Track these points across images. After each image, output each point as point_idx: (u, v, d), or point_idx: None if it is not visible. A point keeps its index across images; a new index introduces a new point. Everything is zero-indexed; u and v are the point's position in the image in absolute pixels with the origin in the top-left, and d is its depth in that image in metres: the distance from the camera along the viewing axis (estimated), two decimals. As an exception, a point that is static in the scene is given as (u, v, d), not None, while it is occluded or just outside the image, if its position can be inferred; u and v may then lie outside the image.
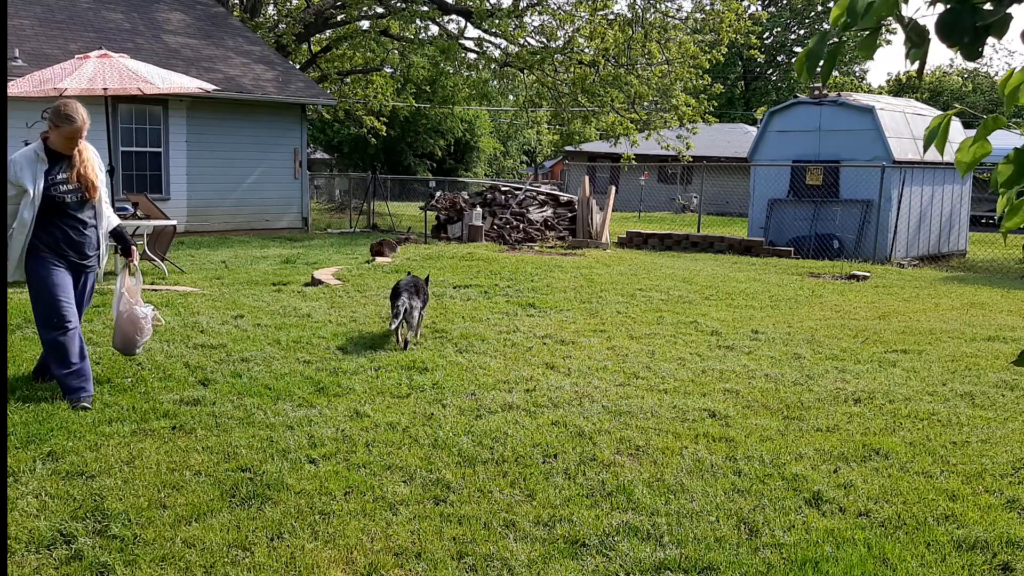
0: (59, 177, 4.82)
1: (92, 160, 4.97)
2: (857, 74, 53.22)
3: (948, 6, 1.77)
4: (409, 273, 7.21)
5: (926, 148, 2.11)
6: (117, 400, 4.91)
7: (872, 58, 1.85)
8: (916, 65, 1.85)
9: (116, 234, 5.32)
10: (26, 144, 5.04)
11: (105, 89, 9.41)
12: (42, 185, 4.74)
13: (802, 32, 51.53)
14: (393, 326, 6.33)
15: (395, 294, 6.51)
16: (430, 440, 4.36)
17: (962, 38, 1.76)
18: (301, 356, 6.07)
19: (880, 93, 43.41)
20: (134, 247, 5.40)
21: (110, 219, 5.18)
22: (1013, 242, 13.82)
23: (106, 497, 3.56)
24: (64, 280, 4.85)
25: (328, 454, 4.12)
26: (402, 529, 3.34)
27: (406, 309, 6.32)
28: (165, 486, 3.69)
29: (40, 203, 4.73)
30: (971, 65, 53.66)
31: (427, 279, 7.24)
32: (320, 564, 3.06)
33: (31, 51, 14.59)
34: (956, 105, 44.87)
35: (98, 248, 5.06)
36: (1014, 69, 1.92)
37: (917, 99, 32.98)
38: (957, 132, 16.28)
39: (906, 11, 1.84)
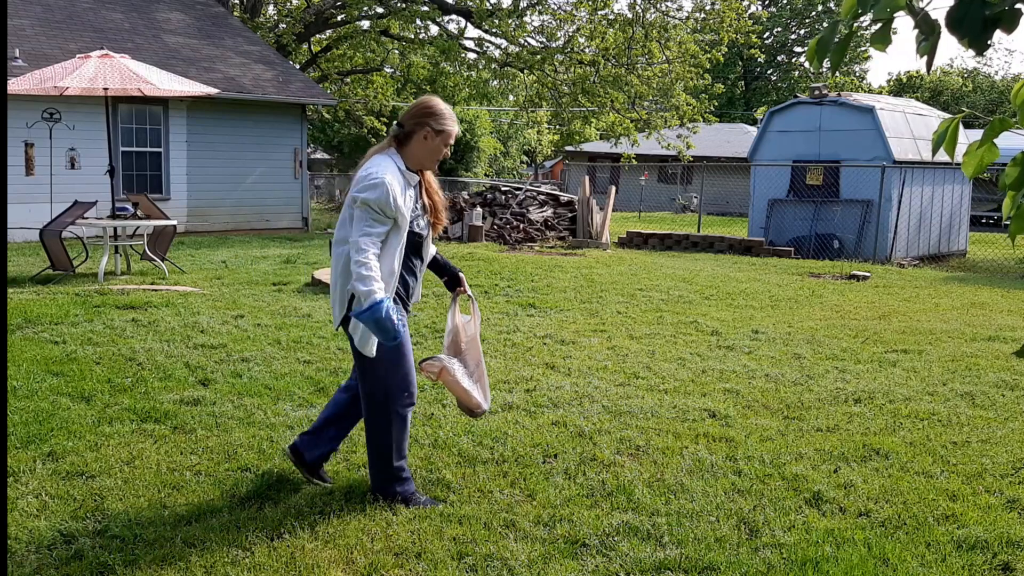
0: (417, 204, 3.52)
1: (431, 177, 3.64)
2: (857, 74, 53.22)
3: None
4: None
5: (935, 152, 2.11)
6: (117, 400, 4.91)
7: (886, 50, 1.83)
8: (925, 60, 1.84)
9: (435, 263, 3.83)
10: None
11: (106, 89, 9.42)
12: (408, 217, 3.42)
13: (802, 32, 51.55)
14: None
15: None
16: (430, 440, 4.36)
17: (971, 30, 1.76)
18: (301, 356, 6.07)
19: (880, 93, 43.41)
20: (461, 273, 3.86)
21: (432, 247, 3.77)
22: (1018, 242, 13.81)
23: (106, 497, 3.56)
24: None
25: (328, 454, 4.12)
26: (402, 529, 3.34)
27: None
28: (165, 486, 3.69)
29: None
30: (971, 65, 53.65)
31: None
32: (320, 564, 3.06)
33: (31, 51, 14.59)
34: (957, 106, 44.87)
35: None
36: None
37: (917, 99, 32.98)
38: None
39: (917, 2, 1.84)
